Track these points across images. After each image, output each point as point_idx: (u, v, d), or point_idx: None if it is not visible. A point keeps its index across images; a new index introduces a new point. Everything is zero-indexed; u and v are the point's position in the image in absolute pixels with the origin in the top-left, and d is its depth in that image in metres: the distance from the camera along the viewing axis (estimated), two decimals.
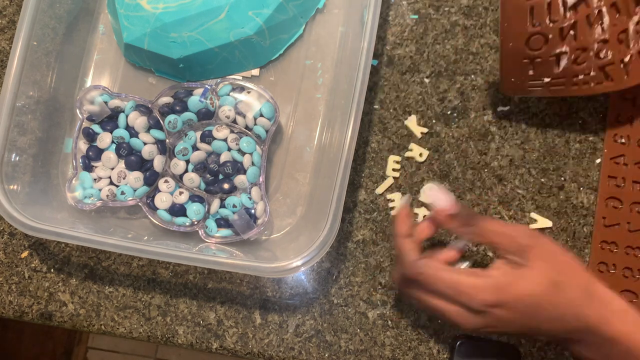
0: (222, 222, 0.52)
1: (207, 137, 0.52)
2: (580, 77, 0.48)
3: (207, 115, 0.53)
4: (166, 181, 0.52)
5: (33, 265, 0.55)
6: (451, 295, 0.43)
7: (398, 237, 0.45)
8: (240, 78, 0.56)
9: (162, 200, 0.52)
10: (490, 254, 0.54)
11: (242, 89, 0.53)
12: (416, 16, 0.57)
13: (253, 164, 0.52)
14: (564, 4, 0.44)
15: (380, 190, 0.55)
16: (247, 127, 0.53)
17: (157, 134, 0.53)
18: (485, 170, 0.55)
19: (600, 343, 0.44)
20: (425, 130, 0.56)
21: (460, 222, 0.44)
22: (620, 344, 0.43)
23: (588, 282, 0.43)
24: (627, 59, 0.46)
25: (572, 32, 0.45)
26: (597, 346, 0.44)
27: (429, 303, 0.45)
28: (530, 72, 0.49)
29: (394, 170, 0.55)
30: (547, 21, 0.45)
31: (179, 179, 0.53)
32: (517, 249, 0.43)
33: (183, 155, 0.52)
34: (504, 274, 0.43)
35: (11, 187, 0.49)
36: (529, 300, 0.42)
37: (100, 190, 0.52)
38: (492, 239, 0.44)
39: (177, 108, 0.52)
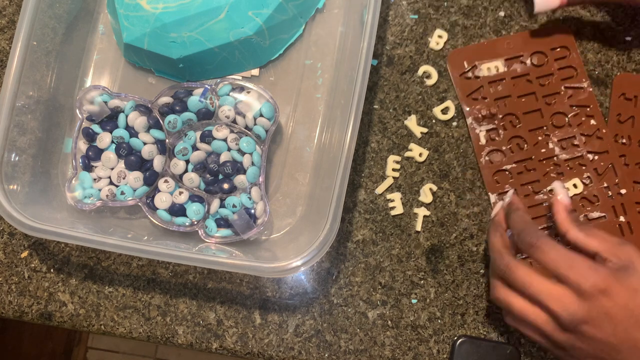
0: (222, 222, 0.52)
1: (206, 137, 0.52)
2: None
3: (207, 115, 0.53)
4: (166, 181, 0.52)
5: (33, 265, 0.55)
6: (562, 274, 0.40)
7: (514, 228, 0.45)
8: (240, 78, 0.56)
9: (162, 200, 0.52)
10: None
11: (242, 89, 0.53)
12: (416, 16, 0.57)
13: (253, 164, 0.52)
14: None
15: (380, 190, 0.55)
16: (247, 127, 0.53)
17: (157, 133, 0.53)
18: None
19: None
20: (425, 130, 0.56)
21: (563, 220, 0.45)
22: None
23: None
24: None
25: None
26: None
27: (522, 310, 0.42)
28: None
29: (393, 170, 0.55)
30: None
31: (178, 179, 0.53)
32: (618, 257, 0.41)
33: (183, 155, 0.52)
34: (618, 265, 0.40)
35: (11, 187, 0.49)
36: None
37: (100, 190, 0.52)
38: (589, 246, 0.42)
39: (177, 108, 0.52)
